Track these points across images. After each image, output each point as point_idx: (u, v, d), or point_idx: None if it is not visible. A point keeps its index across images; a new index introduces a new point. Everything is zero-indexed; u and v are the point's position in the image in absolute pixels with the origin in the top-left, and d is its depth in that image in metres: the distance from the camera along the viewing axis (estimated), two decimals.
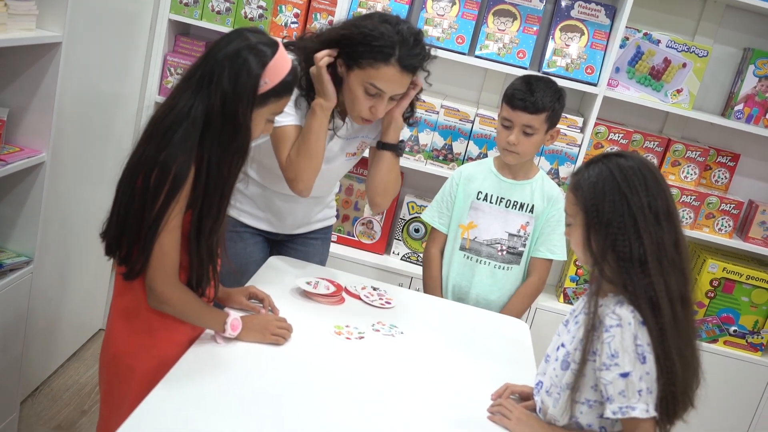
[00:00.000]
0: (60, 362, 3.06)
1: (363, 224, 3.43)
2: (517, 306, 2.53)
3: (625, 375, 1.51)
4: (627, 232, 1.55)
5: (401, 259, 3.43)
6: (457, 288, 2.55)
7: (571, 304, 3.37)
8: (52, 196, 2.50)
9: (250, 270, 2.32)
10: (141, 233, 1.62)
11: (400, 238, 3.42)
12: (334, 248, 3.34)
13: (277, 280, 2.24)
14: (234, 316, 1.77)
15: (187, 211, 1.66)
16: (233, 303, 1.97)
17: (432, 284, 2.57)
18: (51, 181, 2.44)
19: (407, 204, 3.39)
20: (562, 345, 1.68)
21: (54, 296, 2.82)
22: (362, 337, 2.01)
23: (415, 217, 3.38)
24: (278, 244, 2.50)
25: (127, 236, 1.65)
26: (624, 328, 1.52)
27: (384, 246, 3.45)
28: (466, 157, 3.26)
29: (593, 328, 1.56)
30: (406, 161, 3.28)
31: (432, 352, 2.03)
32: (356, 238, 3.44)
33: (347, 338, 1.98)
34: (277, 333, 1.85)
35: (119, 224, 1.66)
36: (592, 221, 1.58)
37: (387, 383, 1.82)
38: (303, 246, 2.51)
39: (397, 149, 2.24)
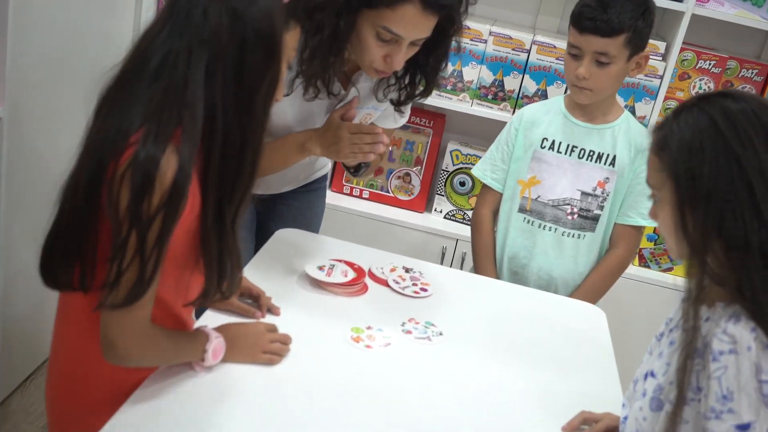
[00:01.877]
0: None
1: (399, 177, 2.92)
2: (595, 287, 2.02)
3: (744, 428, 1.02)
4: (741, 207, 1.04)
5: (445, 217, 2.93)
6: (514, 260, 2.05)
7: (649, 268, 2.83)
8: (16, 156, 2.06)
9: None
10: (113, 267, 1.12)
11: (442, 193, 2.91)
12: (366, 208, 2.86)
13: (282, 261, 1.76)
14: (215, 341, 1.30)
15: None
16: (226, 305, 1.50)
17: (483, 255, 2.07)
18: (13, 141, 2.00)
19: (450, 153, 2.87)
20: (652, 374, 1.18)
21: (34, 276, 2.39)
22: (388, 344, 1.53)
23: (460, 168, 2.86)
24: (266, 203, 2.04)
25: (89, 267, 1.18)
26: (741, 356, 1.03)
27: (424, 202, 2.95)
28: (520, 95, 2.71)
29: (694, 353, 1.07)
30: (449, 102, 2.75)
31: (479, 360, 1.54)
32: (391, 194, 2.94)
33: (368, 347, 1.50)
34: (269, 350, 1.38)
35: (71, 255, 1.18)
36: (686, 194, 1.08)
37: (421, 410, 1.35)
38: (295, 200, 2.06)
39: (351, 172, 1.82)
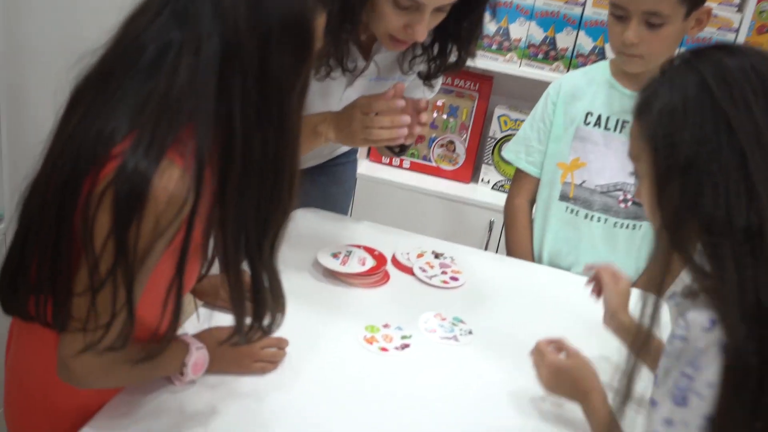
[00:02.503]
0: None
1: (442, 145, 2.69)
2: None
3: (654, 404, 0.91)
4: (726, 180, 0.84)
5: (492, 188, 2.69)
6: (556, 257, 1.79)
7: None
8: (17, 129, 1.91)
9: None
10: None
11: (490, 162, 2.67)
12: (406, 179, 2.65)
13: (295, 246, 1.57)
14: (196, 353, 1.12)
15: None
16: (217, 300, 1.32)
17: (520, 251, 1.81)
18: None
19: (498, 118, 2.62)
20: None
21: None
22: (407, 345, 1.33)
23: (509, 135, 2.61)
24: None
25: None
26: (689, 343, 0.87)
27: (470, 172, 2.72)
28: (574, 54, 2.43)
29: (648, 341, 0.95)
30: (495, 62, 2.50)
31: (513, 364, 1.32)
32: (434, 164, 2.71)
33: (382, 349, 1.31)
34: (261, 358, 1.20)
35: (38, 289, 0.98)
36: (663, 164, 0.90)
37: (440, 427, 1.15)
38: (321, 176, 1.86)
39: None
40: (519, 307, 1.51)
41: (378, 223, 1.77)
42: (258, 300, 1.02)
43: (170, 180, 0.87)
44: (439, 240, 1.72)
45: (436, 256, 1.63)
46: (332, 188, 1.92)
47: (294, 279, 1.45)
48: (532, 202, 1.81)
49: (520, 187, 1.81)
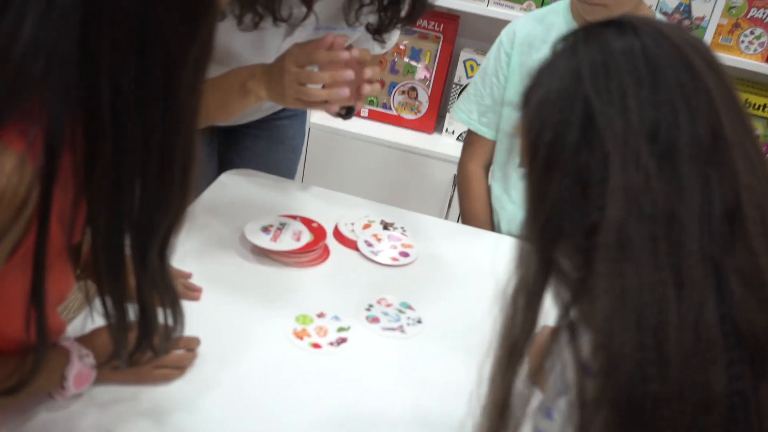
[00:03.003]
0: None
1: (403, 92, 2.47)
2: None
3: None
4: (580, 186, 0.69)
5: (458, 139, 2.48)
6: (516, 227, 1.58)
7: None
8: None
9: None
10: None
11: None
12: (364, 129, 2.43)
13: (221, 217, 1.36)
14: (80, 362, 0.91)
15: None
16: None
17: (476, 222, 1.62)
18: None
19: (464, 62, 2.39)
20: None
21: None
22: (343, 340, 1.13)
23: None
24: (228, 134, 1.63)
25: None
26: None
27: (433, 122, 2.50)
28: None
29: None
30: (460, 1, 2.26)
31: (465, 360, 1.14)
32: (395, 113, 2.49)
33: (314, 345, 1.11)
34: (165, 363, 1.00)
35: None
36: (530, 162, 0.75)
37: None
38: (263, 131, 1.64)
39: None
40: (476, 288, 1.32)
41: (330, 179, 1.56)
42: (144, 317, 0.82)
43: (0, 171, 0.66)
44: (392, 207, 1.52)
45: (385, 226, 1.43)
46: (277, 146, 1.71)
47: (216, 259, 1.25)
48: (488, 166, 1.61)
49: (473, 151, 1.61)
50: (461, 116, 1.59)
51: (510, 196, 1.54)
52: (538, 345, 0.96)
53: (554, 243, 0.70)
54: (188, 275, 1.19)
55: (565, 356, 0.73)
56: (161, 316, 0.83)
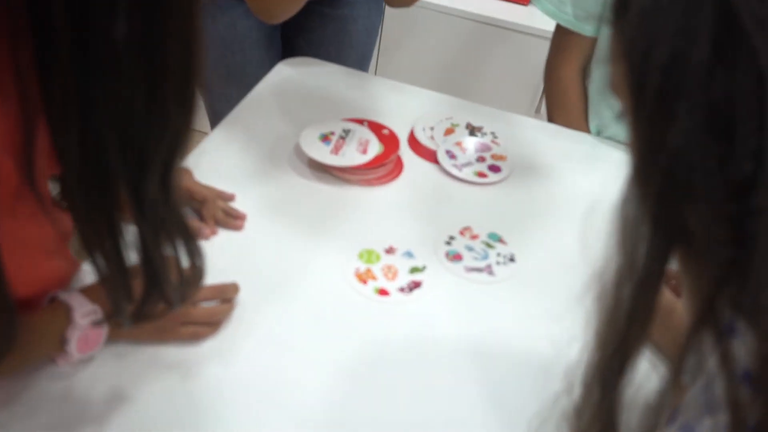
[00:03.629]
0: None
1: None
2: None
3: None
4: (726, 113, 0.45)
5: None
6: None
7: None
8: None
9: (239, 72, 1.26)
10: None
11: None
12: (449, 1, 2.11)
13: (273, 119, 1.14)
14: (81, 323, 0.72)
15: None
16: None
17: None
18: None
19: None
20: None
21: None
22: (417, 285, 0.91)
23: None
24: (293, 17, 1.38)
25: None
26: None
27: None
28: None
29: None
30: None
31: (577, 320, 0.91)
32: None
33: (381, 292, 0.90)
34: (194, 319, 0.80)
35: None
36: (636, 97, 0.50)
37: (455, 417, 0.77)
38: (335, 9, 1.36)
39: None
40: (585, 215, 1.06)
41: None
42: (148, 262, 0.61)
43: None
44: (479, 105, 1.25)
45: (472, 131, 1.17)
46: (349, 27, 1.44)
47: (264, 175, 1.03)
48: (586, 66, 1.28)
49: (567, 51, 1.26)
50: (547, 7, 1.24)
51: (608, 100, 1.23)
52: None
53: (679, 209, 0.49)
54: (230, 197, 0.98)
55: (710, 364, 0.50)
56: (173, 257, 0.63)
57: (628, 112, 0.52)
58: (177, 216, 0.61)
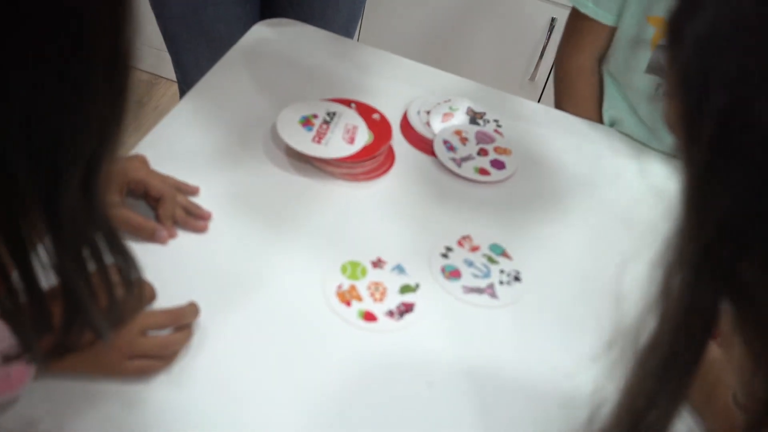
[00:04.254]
0: None
1: None
2: None
3: None
4: None
5: None
6: None
7: None
8: None
9: (209, 29, 1.16)
10: None
11: None
12: None
13: (244, 96, 0.98)
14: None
15: None
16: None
17: None
18: None
19: None
20: None
21: None
22: (409, 308, 0.78)
23: None
24: None
25: None
26: None
27: None
28: None
29: None
30: None
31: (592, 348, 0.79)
32: None
33: (367, 316, 0.76)
34: (143, 352, 0.67)
35: None
36: (689, 139, 0.42)
37: None
38: None
39: None
40: (603, 223, 0.94)
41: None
42: (66, 288, 0.48)
43: None
44: (482, 85, 1.11)
45: (473, 117, 1.03)
46: None
47: (233, 165, 0.88)
48: (603, 55, 1.12)
49: (582, 37, 1.09)
50: None
51: (630, 101, 1.08)
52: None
53: (733, 264, 0.42)
54: (193, 190, 0.84)
55: None
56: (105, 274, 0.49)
57: (681, 153, 0.44)
58: (105, 226, 0.47)
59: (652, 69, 1.02)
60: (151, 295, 0.69)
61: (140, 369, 0.66)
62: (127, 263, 0.50)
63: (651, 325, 0.47)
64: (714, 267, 0.42)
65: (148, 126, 0.92)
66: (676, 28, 0.44)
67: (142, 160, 0.77)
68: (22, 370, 0.61)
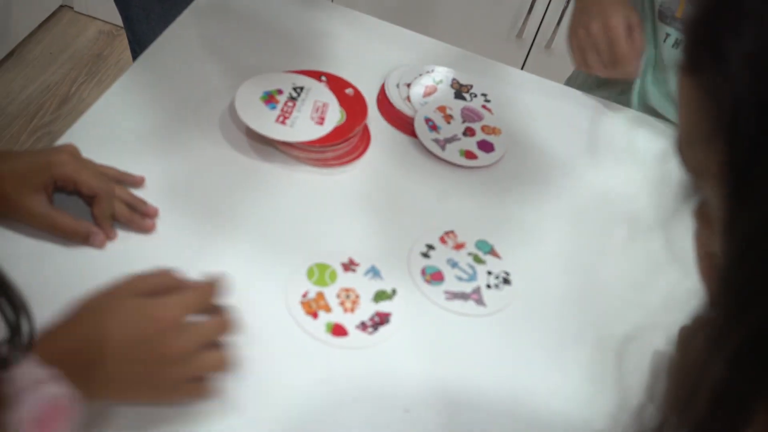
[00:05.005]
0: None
1: None
2: None
3: None
4: None
5: None
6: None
7: None
8: None
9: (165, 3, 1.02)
10: None
11: None
12: None
13: (200, 69, 0.87)
14: (37, 393, 0.48)
15: None
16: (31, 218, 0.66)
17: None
18: None
19: None
20: None
21: None
22: (385, 318, 0.69)
23: None
24: None
25: None
26: None
27: None
28: None
29: None
30: None
31: (595, 363, 0.71)
32: None
33: (336, 329, 0.67)
34: (204, 367, 0.56)
35: None
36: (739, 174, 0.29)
37: None
38: None
39: None
40: (607, 216, 0.84)
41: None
42: None
43: None
44: (468, 54, 1.00)
45: (458, 91, 0.92)
46: None
47: (185, 150, 0.77)
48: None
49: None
50: None
51: (660, 83, 0.97)
52: None
53: None
54: (136, 181, 0.73)
55: None
56: None
57: (720, 209, 0.32)
58: None
59: (663, 16, 0.92)
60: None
61: (196, 391, 0.56)
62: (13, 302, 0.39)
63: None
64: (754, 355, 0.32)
65: (109, 82, 0.81)
66: (713, 44, 0.32)
67: (71, 152, 0.66)
68: (60, 403, 0.50)
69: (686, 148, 0.35)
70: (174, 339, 0.53)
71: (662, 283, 0.76)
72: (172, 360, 0.53)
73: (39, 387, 0.48)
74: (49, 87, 1.85)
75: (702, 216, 0.37)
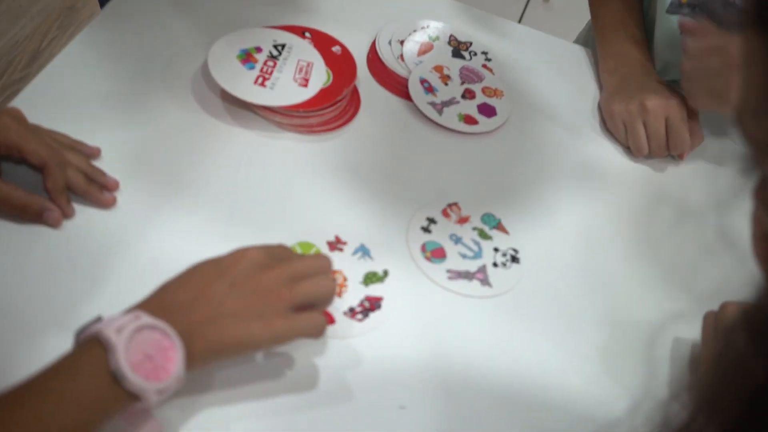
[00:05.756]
0: None
1: None
2: None
3: None
4: None
5: None
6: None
7: None
8: None
9: None
10: None
11: None
12: None
13: (171, 24, 0.78)
14: (121, 335, 0.44)
15: None
16: None
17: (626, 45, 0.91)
18: None
19: None
20: None
21: None
22: (376, 303, 0.61)
23: None
24: None
25: None
26: None
27: None
28: None
29: None
30: None
31: (607, 341, 0.63)
32: None
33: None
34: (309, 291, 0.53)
35: None
36: None
37: None
38: None
39: None
40: (622, 187, 0.76)
41: None
42: None
43: None
44: (467, 6, 0.91)
45: (457, 49, 0.84)
46: None
47: (152, 114, 0.69)
48: None
49: None
50: None
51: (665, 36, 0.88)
52: None
53: None
54: (93, 152, 0.64)
55: None
56: None
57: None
58: None
59: (673, 6, 0.83)
60: None
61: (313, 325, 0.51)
62: None
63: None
64: None
65: None
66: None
67: (15, 116, 0.57)
68: (160, 345, 0.46)
69: (749, 118, 0.29)
70: (278, 270, 0.51)
71: (702, 268, 0.69)
72: (278, 283, 0.51)
73: (142, 331, 0.45)
74: (19, 42, 1.74)
75: (762, 195, 0.30)
